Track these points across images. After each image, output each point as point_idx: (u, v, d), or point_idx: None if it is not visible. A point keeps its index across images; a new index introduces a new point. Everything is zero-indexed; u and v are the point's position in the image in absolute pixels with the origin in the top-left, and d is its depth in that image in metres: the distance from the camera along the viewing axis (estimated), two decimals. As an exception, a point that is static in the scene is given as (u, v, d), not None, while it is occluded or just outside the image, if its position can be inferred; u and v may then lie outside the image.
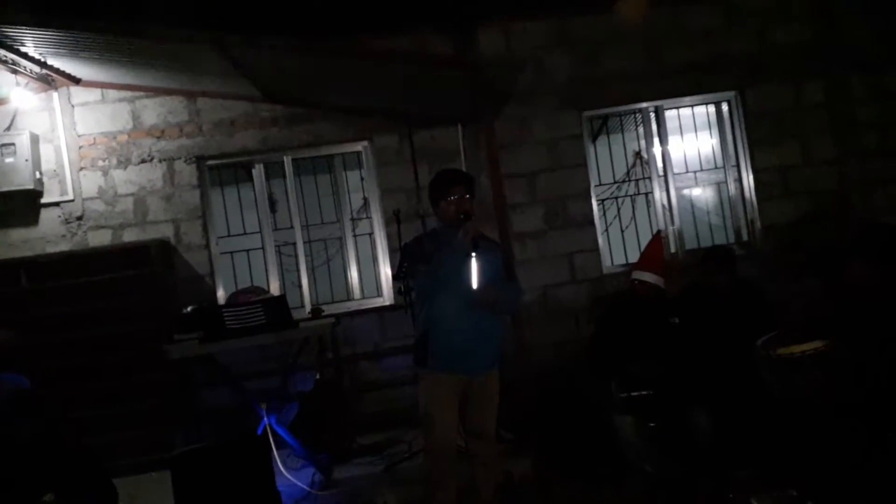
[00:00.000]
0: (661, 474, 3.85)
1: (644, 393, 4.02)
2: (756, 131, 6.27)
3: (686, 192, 6.60)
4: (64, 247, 5.80)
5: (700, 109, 6.58)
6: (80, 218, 5.87)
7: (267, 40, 4.73)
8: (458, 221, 3.31)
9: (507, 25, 6.06)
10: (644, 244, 6.42)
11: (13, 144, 5.59)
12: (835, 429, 3.19)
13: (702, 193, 6.89)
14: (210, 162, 6.08)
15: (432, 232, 3.60)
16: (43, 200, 5.83)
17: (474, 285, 3.23)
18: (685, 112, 6.58)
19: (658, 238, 4.78)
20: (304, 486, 4.59)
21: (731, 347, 3.89)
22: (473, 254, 3.22)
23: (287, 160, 6.18)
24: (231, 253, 6.33)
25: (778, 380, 3.40)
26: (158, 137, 5.95)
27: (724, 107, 6.45)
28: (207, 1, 6.28)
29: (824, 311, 3.83)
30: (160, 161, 5.94)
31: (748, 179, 6.35)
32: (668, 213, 6.36)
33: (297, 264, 6.23)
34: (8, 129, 5.75)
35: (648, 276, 4.34)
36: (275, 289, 5.99)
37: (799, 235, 6.04)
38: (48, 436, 3.61)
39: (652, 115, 6.39)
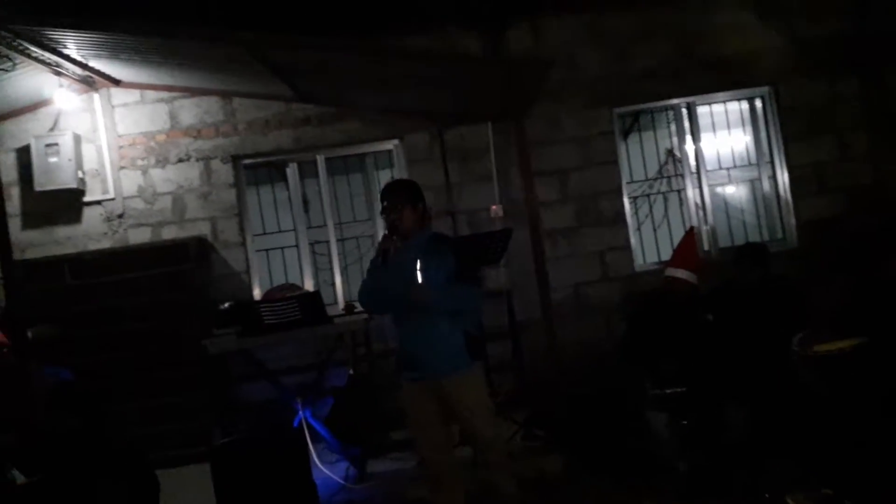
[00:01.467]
0: (694, 471, 3.85)
1: (678, 390, 4.01)
2: (790, 127, 6.20)
3: (719, 189, 6.54)
4: (105, 244, 5.96)
5: (733, 106, 6.51)
6: (120, 216, 6.02)
7: (304, 40, 4.81)
8: (388, 232, 3.37)
9: (536, 22, 6.07)
10: (677, 242, 6.43)
11: (57, 144, 5.75)
12: (872, 427, 3.16)
13: (735, 191, 6.82)
14: (245, 161, 6.19)
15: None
16: (85, 199, 5.99)
17: (407, 290, 3.26)
18: (718, 108, 6.52)
19: (691, 234, 4.76)
20: (339, 480, 4.67)
21: (765, 344, 3.87)
22: (414, 264, 3.25)
23: (320, 159, 6.27)
24: (266, 250, 6.43)
25: (815, 377, 3.39)
26: (195, 137, 6.08)
27: (758, 103, 6.39)
28: (238, 4, 6.42)
29: (861, 307, 3.79)
30: (197, 160, 6.07)
31: (783, 176, 6.28)
32: (701, 211, 6.32)
33: (330, 262, 6.32)
34: (52, 129, 5.93)
35: (682, 273, 4.33)
36: (309, 286, 6.09)
37: (834, 232, 5.95)
38: (92, 427, 3.73)
39: (684, 111, 6.35)
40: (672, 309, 4.30)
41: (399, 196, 3.41)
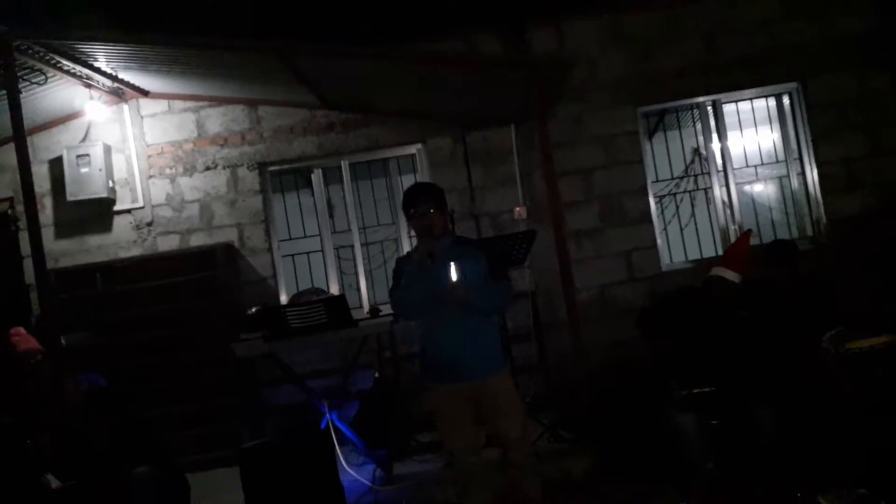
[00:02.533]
0: (723, 472, 3.79)
1: (706, 390, 3.96)
2: (819, 123, 6.09)
3: (747, 187, 6.46)
4: (135, 252, 6.08)
5: (759, 103, 6.43)
6: (149, 224, 6.14)
7: (333, 48, 4.87)
8: (419, 237, 3.34)
9: (558, 23, 6.05)
10: (705, 241, 6.36)
11: (88, 155, 5.89)
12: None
13: (763, 188, 6.73)
14: (271, 168, 6.27)
15: (413, 248, 3.61)
16: (115, 208, 6.13)
17: (444, 293, 3.20)
18: (744, 106, 6.44)
19: (746, 237, 4.64)
20: (366, 482, 4.68)
21: (796, 342, 3.80)
22: (450, 265, 3.18)
23: (344, 164, 6.32)
24: (292, 256, 6.51)
25: (847, 374, 3.32)
26: (222, 145, 6.18)
27: (785, 99, 6.29)
28: (262, 13, 6.52)
29: (892, 304, 3.71)
30: (224, 168, 6.17)
31: (812, 173, 6.17)
32: (728, 210, 6.24)
33: (354, 266, 6.37)
34: (83, 140, 6.07)
35: (730, 275, 4.25)
36: (334, 290, 6.14)
37: (865, 228, 5.83)
38: (124, 432, 3.79)
39: (709, 109, 6.27)
40: (707, 306, 4.24)
41: (430, 199, 3.38)
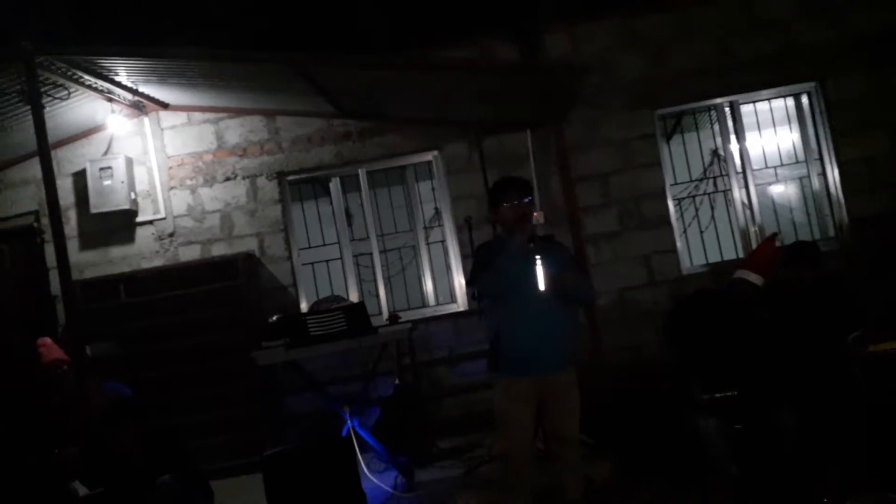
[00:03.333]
0: (747, 476, 3.76)
1: (729, 394, 3.93)
2: (839, 122, 6.03)
3: (767, 189, 6.40)
4: (158, 262, 6.17)
5: (778, 103, 6.38)
6: (171, 234, 6.22)
7: (350, 59, 4.92)
8: (517, 226, 3.36)
9: (572, 28, 6.07)
10: (725, 243, 6.31)
11: (110, 168, 5.99)
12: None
13: (784, 189, 6.67)
14: (290, 177, 6.33)
15: (496, 238, 3.68)
16: (138, 219, 6.22)
17: (540, 286, 3.24)
18: (762, 107, 6.39)
19: (772, 240, 4.62)
20: (388, 489, 4.70)
21: (819, 345, 3.76)
22: (536, 256, 3.23)
23: (361, 173, 6.37)
24: (312, 264, 6.56)
25: (872, 377, 3.28)
26: (241, 156, 6.25)
27: (804, 99, 6.24)
28: (277, 24, 6.61)
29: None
30: (243, 178, 6.24)
31: (833, 173, 6.11)
32: (748, 211, 6.19)
33: (373, 273, 6.40)
34: (105, 153, 6.18)
35: (753, 277, 4.23)
36: (354, 297, 6.17)
37: (889, 229, 5.75)
38: (150, 440, 3.85)
39: (727, 110, 6.24)
40: (729, 309, 4.21)
41: (528, 189, 3.48)
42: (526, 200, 3.40)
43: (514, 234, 3.35)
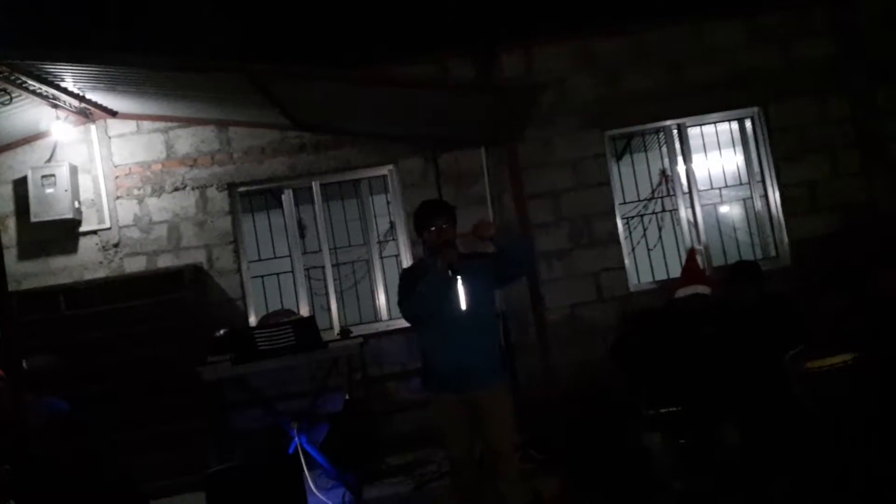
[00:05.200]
0: (690, 491, 3.82)
1: (673, 409, 4.00)
2: (781, 146, 6.26)
3: (712, 209, 6.59)
4: (101, 273, 5.99)
5: (723, 126, 6.58)
6: (116, 245, 6.05)
7: (306, 71, 4.89)
8: (440, 249, 3.44)
9: (528, 49, 6.16)
10: (671, 261, 6.46)
11: (53, 175, 5.81)
12: (865, 441, 3.16)
13: (728, 210, 6.88)
14: (241, 189, 6.24)
15: (420, 261, 3.81)
16: (81, 229, 6.04)
17: (462, 306, 3.43)
18: (708, 129, 6.59)
19: (692, 253, 4.87)
20: (335, 506, 4.63)
21: (761, 361, 3.87)
22: (458, 277, 3.40)
23: (315, 185, 6.32)
24: (262, 277, 6.46)
25: (808, 393, 3.39)
26: (191, 166, 6.13)
27: (748, 123, 6.45)
28: (234, 35, 6.55)
29: (854, 323, 3.80)
30: (193, 189, 6.12)
31: (774, 195, 6.32)
32: (694, 231, 6.35)
33: (325, 287, 6.34)
34: (49, 161, 5.98)
35: (701, 289, 4.33)
36: (304, 311, 6.10)
37: (827, 249, 5.97)
38: (88, 457, 3.72)
39: (675, 133, 6.41)
40: (675, 325, 4.30)
41: (450, 213, 3.60)
42: (444, 226, 3.51)
43: (436, 257, 3.44)
